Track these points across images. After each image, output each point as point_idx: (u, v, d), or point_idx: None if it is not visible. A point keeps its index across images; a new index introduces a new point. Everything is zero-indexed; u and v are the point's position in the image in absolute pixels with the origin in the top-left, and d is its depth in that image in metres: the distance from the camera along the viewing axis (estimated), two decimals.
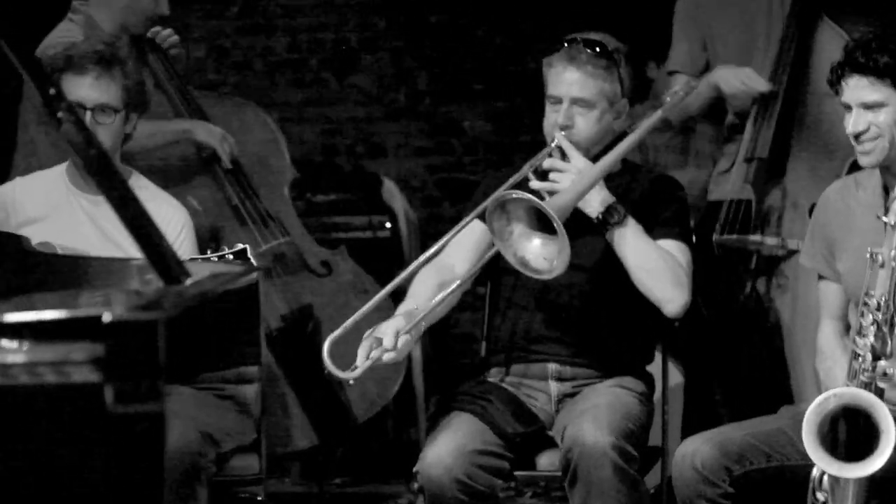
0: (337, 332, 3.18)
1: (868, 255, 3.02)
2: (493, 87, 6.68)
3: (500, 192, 3.30)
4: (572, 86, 3.44)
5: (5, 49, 1.66)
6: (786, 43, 4.18)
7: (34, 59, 1.67)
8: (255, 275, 1.84)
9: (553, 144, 3.45)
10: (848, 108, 3.23)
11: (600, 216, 3.40)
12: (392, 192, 6.13)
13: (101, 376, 1.34)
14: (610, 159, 3.43)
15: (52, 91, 1.69)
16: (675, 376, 4.72)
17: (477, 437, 3.24)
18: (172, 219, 3.67)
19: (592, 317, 3.48)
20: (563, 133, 3.42)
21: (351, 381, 3.31)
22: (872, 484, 2.99)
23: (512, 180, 3.42)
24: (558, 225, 3.15)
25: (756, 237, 4.13)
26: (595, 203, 3.40)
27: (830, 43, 4.08)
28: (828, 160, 4.11)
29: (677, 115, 4.59)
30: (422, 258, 3.48)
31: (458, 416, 3.34)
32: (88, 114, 3.52)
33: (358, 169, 6.60)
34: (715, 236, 4.20)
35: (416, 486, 3.28)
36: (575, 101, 3.45)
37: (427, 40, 6.75)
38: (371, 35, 6.80)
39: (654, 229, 3.47)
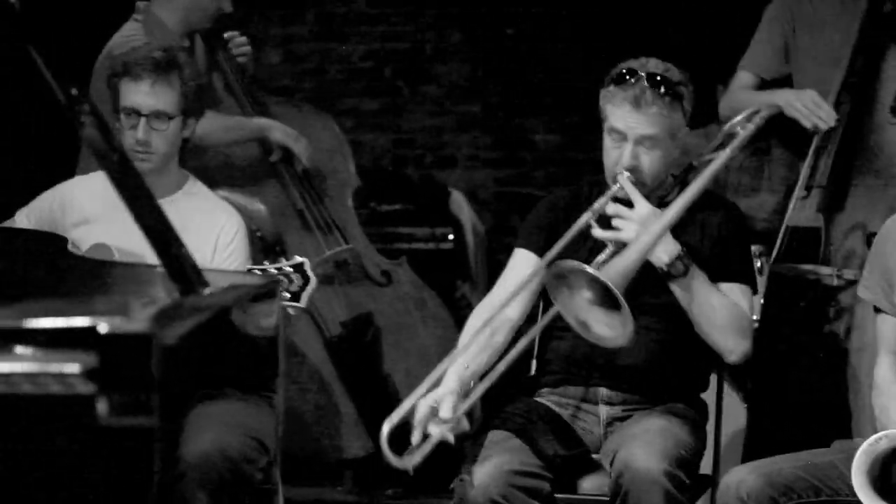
0: (396, 418, 3.06)
1: None
2: (565, 101, 6.63)
3: (559, 264, 3.16)
4: (638, 126, 3.35)
5: (29, 50, 1.63)
6: (853, 68, 4.08)
7: (56, 60, 1.63)
8: (275, 288, 1.78)
9: (616, 187, 3.36)
10: None
11: (664, 268, 3.32)
12: (459, 204, 6.10)
13: (95, 388, 1.30)
14: (677, 209, 3.31)
15: (73, 92, 1.65)
16: (737, 406, 4.65)
17: (516, 457, 3.19)
18: (226, 225, 3.65)
19: (647, 344, 3.40)
20: (627, 174, 3.33)
21: (410, 472, 3.11)
22: None
23: (575, 228, 3.31)
24: (622, 301, 3.05)
25: (810, 267, 4.03)
26: (661, 254, 3.32)
27: None
28: (888, 189, 4.00)
29: (728, 113, 4.41)
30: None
31: (499, 435, 3.30)
32: (143, 120, 3.53)
33: (426, 179, 6.58)
34: (769, 265, 4.11)
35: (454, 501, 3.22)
36: (640, 141, 3.36)
37: (501, 52, 6.71)
38: (446, 45, 6.77)
39: (718, 268, 3.41)
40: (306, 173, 4.69)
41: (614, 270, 3.13)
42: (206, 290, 1.70)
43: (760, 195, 5.40)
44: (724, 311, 3.35)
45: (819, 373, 4.21)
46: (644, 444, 3.17)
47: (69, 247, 2.59)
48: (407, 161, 6.84)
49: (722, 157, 3.48)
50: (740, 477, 3.12)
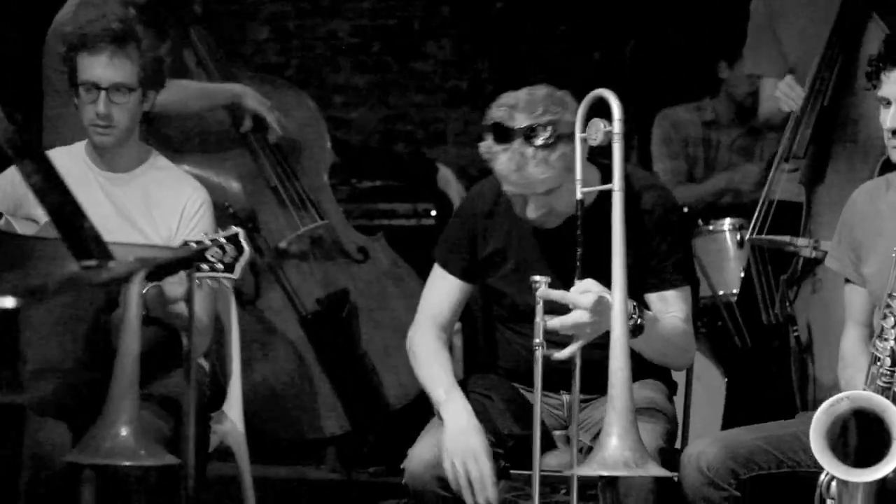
0: None
1: (894, 255, 2.90)
2: (555, 76, 6.54)
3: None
4: (528, 187, 3.11)
5: None
6: (832, 42, 4.04)
7: None
8: (189, 260, 1.74)
9: (539, 306, 3.06)
10: (887, 102, 3.10)
11: None
12: (448, 180, 6.07)
13: None
14: (619, 277, 3.00)
15: None
16: (715, 376, 4.63)
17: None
18: (191, 197, 3.64)
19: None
20: (541, 284, 3.03)
21: None
22: (882, 491, 2.87)
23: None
24: None
25: (787, 238, 3.99)
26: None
27: (878, 42, 3.94)
28: (868, 159, 3.96)
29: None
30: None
31: None
32: (103, 93, 3.50)
33: (414, 155, 6.55)
34: (748, 237, 4.07)
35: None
36: (537, 196, 3.16)
37: (490, 27, 6.68)
38: (434, 21, 6.74)
39: (652, 275, 3.24)
40: (279, 147, 4.66)
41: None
42: (111, 264, 1.66)
43: (743, 167, 5.37)
44: (674, 341, 3.24)
45: (798, 345, 4.18)
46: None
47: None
48: (396, 137, 6.82)
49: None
50: (700, 448, 3.09)
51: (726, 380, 4.61)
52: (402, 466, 3.21)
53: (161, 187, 3.66)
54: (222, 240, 3.27)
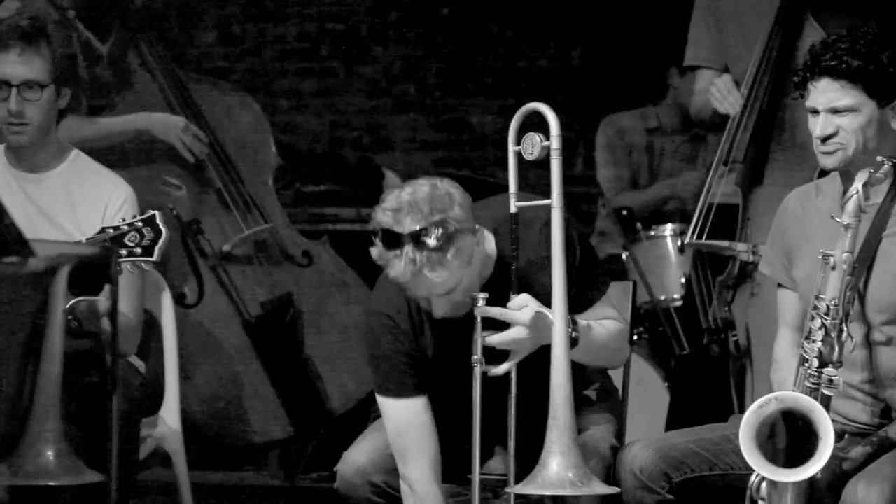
0: None
1: (820, 257, 2.93)
2: (502, 82, 6.62)
3: None
4: (433, 288, 3.01)
5: None
6: (769, 44, 4.08)
7: None
8: (109, 255, 1.74)
9: (478, 322, 3.02)
10: (815, 111, 3.13)
11: None
12: (394, 185, 6.08)
13: None
14: (559, 290, 2.99)
15: None
16: (656, 381, 4.67)
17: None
18: (113, 194, 3.65)
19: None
20: (480, 301, 3.02)
21: None
22: (811, 491, 2.91)
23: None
24: None
25: (725, 243, 4.03)
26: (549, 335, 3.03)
27: None
28: (803, 165, 4.01)
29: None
30: None
31: None
32: (14, 90, 3.50)
33: (361, 161, 6.56)
34: (686, 241, 4.11)
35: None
36: (444, 294, 3.05)
37: (438, 33, 6.70)
38: (382, 26, 6.76)
39: (579, 300, 3.17)
40: (221, 148, 4.66)
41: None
42: (32, 260, 1.66)
43: (684, 174, 5.42)
44: (609, 345, 3.23)
45: (736, 349, 4.22)
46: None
47: None
48: (343, 143, 6.83)
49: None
50: (634, 452, 3.11)
51: (667, 384, 4.64)
52: (334, 469, 3.20)
53: (83, 185, 3.66)
54: (139, 223, 3.26)
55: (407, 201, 2.96)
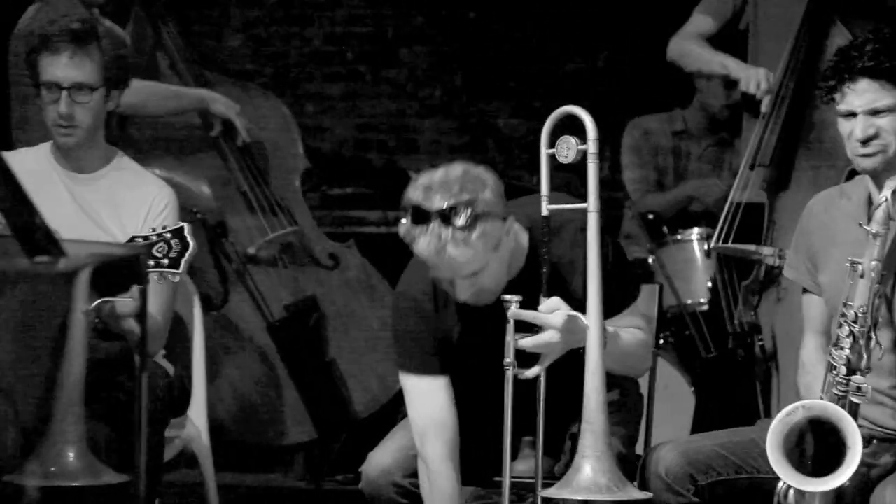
0: None
1: (848, 265, 2.92)
2: (528, 86, 6.61)
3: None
4: (455, 269, 3.01)
5: None
6: (797, 47, 4.07)
7: None
8: (138, 256, 1.75)
9: (510, 325, 3.01)
10: (851, 114, 3.10)
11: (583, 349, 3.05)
12: None
13: None
14: (594, 300, 2.98)
15: None
16: (682, 385, 4.66)
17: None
18: (156, 197, 3.66)
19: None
20: (514, 303, 3.00)
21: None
22: (839, 497, 2.91)
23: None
24: None
25: (752, 247, 4.02)
26: (582, 338, 3.03)
27: None
28: (831, 168, 4.00)
29: (675, 57, 4.54)
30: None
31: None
32: (65, 93, 3.51)
33: (387, 164, 6.57)
34: (713, 245, 4.10)
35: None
36: (467, 277, 3.05)
37: (464, 37, 6.70)
38: (408, 29, 6.77)
39: (608, 304, 3.11)
40: (249, 152, 4.68)
41: None
42: (63, 259, 1.67)
43: (708, 178, 5.40)
44: (634, 352, 3.22)
45: (762, 354, 4.21)
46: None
47: None
48: (370, 146, 6.83)
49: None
50: (660, 454, 3.11)
51: (693, 389, 4.63)
52: (359, 470, 3.21)
53: (126, 187, 3.67)
54: (168, 234, 3.28)
55: (439, 180, 2.99)
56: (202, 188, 4.66)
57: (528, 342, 3.01)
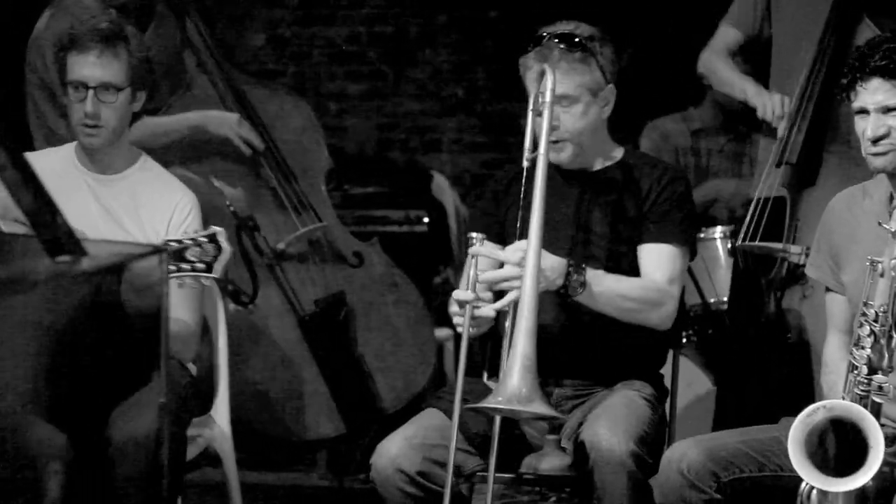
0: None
1: (868, 264, 2.91)
2: None
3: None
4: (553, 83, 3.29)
5: None
6: (825, 43, 4.05)
7: None
8: (160, 255, 1.75)
9: (470, 260, 3.26)
10: (864, 112, 3.10)
11: (562, 290, 3.25)
12: (442, 187, 6.10)
13: None
14: (535, 235, 3.19)
15: None
16: (705, 384, 4.64)
17: (436, 432, 3.16)
18: (180, 202, 3.66)
19: (598, 319, 3.37)
20: (476, 239, 3.26)
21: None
22: (862, 497, 2.88)
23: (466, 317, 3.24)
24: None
25: (779, 245, 4.00)
26: (555, 280, 3.23)
27: None
28: (858, 166, 3.97)
29: (704, 72, 4.57)
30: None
31: (426, 412, 3.28)
32: (91, 93, 3.52)
33: (409, 163, 6.57)
34: (738, 243, 4.08)
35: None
36: (557, 101, 3.31)
37: (486, 36, 6.69)
38: (430, 28, 6.76)
39: (648, 228, 3.38)
40: (276, 148, 4.68)
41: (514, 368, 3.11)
42: (85, 259, 1.68)
43: (732, 184, 5.38)
44: (633, 295, 3.30)
45: (788, 351, 4.19)
46: (608, 423, 3.15)
47: None
48: (392, 145, 6.83)
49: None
50: (682, 451, 3.09)
51: (716, 387, 4.61)
52: (370, 462, 3.22)
53: (149, 190, 3.68)
54: (202, 239, 3.28)
55: (575, 24, 3.39)
56: (234, 188, 4.66)
57: (487, 275, 3.21)
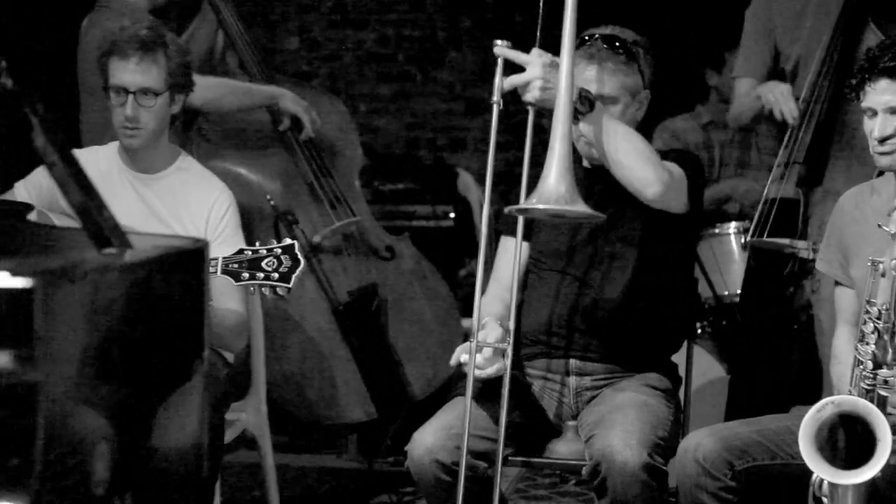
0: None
1: (870, 264, 2.89)
2: None
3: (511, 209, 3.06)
4: (591, 83, 3.28)
5: None
6: (831, 48, 4.03)
7: None
8: (203, 249, 1.74)
9: (500, 64, 3.16)
10: (872, 112, 3.09)
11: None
12: (468, 185, 6.09)
13: None
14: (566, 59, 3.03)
15: None
16: (716, 370, 4.62)
17: (469, 422, 3.12)
18: (218, 200, 3.65)
19: (617, 310, 3.36)
20: (500, 44, 3.18)
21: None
22: (872, 490, 2.86)
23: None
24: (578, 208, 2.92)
25: (787, 241, 3.98)
26: None
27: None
28: (863, 166, 3.95)
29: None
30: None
31: (457, 401, 3.26)
32: (131, 97, 3.52)
33: (437, 161, 6.57)
34: (748, 238, 4.06)
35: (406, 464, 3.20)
36: (596, 99, 3.26)
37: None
38: (456, 32, 6.75)
39: None
40: (315, 146, 4.68)
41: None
42: (129, 251, 1.68)
43: (746, 182, 5.37)
44: (636, 141, 3.15)
45: (798, 343, 4.17)
46: (622, 432, 3.06)
47: (31, 215, 2.57)
48: (419, 144, 6.83)
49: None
50: (698, 440, 3.07)
51: (729, 376, 4.59)
52: (405, 449, 3.20)
53: (189, 187, 3.68)
54: (278, 251, 3.27)
55: (620, 30, 3.36)
56: (272, 183, 4.66)
57: (511, 79, 3.14)
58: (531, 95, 3.11)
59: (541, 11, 3.15)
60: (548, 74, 3.07)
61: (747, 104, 4.32)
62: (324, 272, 4.67)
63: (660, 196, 3.15)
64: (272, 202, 4.54)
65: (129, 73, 3.53)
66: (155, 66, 3.53)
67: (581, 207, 2.89)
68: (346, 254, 4.75)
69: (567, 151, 2.94)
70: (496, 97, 3.13)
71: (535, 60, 3.10)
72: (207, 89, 3.85)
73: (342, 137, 4.89)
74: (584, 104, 3.10)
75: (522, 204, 2.98)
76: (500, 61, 3.11)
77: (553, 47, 3.10)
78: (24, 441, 1.29)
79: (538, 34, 3.19)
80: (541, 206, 2.90)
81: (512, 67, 3.15)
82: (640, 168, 3.12)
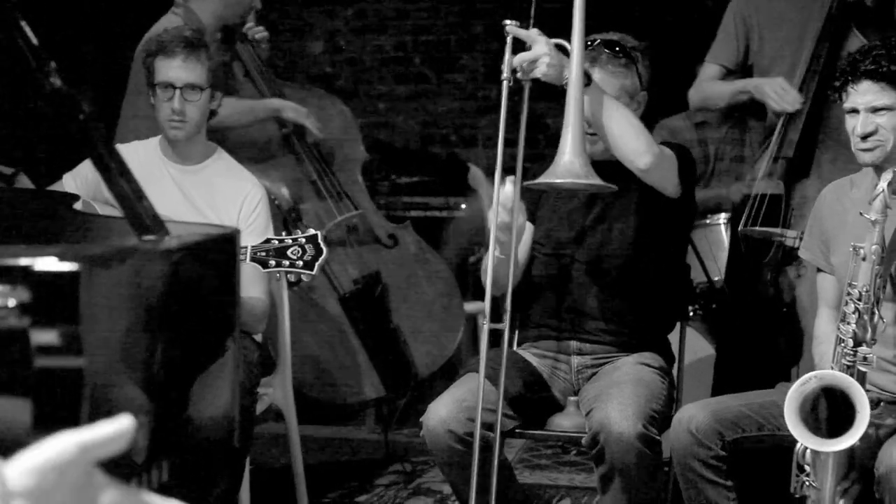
0: None
1: (851, 249, 2.88)
2: None
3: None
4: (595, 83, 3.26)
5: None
6: (818, 50, 4.01)
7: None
8: (235, 238, 1.74)
9: (509, 42, 3.09)
10: (854, 111, 3.08)
11: (565, 84, 3.05)
12: (478, 178, 6.08)
13: (28, 321, 1.27)
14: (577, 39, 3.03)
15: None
16: (706, 349, 4.62)
17: (478, 394, 3.12)
18: (250, 192, 3.66)
19: (616, 294, 3.36)
20: (509, 23, 3.11)
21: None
22: (851, 457, 2.87)
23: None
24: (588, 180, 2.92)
25: (777, 230, 3.97)
26: (565, 66, 3.06)
27: None
28: (849, 161, 3.94)
29: (698, 103, 4.47)
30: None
31: (468, 376, 3.26)
32: (178, 92, 3.53)
33: (450, 156, 6.56)
34: (740, 228, 4.06)
35: (421, 434, 3.20)
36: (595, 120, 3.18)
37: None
38: (468, 37, 6.74)
39: None
40: (317, 146, 4.68)
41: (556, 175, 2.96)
42: (168, 238, 1.68)
43: (734, 184, 5.36)
44: (628, 117, 3.11)
45: (782, 323, 4.16)
46: (619, 404, 3.06)
47: (77, 205, 2.58)
48: (434, 140, 6.83)
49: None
50: (690, 413, 3.08)
51: (715, 354, 4.59)
52: (420, 420, 3.21)
53: (224, 178, 3.68)
54: (303, 240, 3.27)
55: (621, 36, 3.36)
56: (281, 189, 4.67)
57: (521, 56, 3.06)
58: (539, 71, 3.05)
59: (532, 13, 3.11)
60: (552, 52, 3.04)
61: (721, 91, 4.27)
62: (329, 264, 4.68)
63: (652, 166, 3.12)
64: (277, 202, 4.54)
65: (175, 69, 3.54)
66: (199, 64, 3.55)
67: (594, 180, 2.91)
68: (350, 245, 4.76)
69: (580, 131, 2.95)
70: (506, 74, 3.06)
71: (540, 39, 3.07)
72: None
73: (345, 136, 4.90)
74: (584, 78, 3.06)
75: (541, 179, 2.98)
76: (509, 39, 3.06)
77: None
78: (70, 414, 1.29)
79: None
80: (558, 181, 2.93)
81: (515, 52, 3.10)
82: (633, 139, 3.10)
